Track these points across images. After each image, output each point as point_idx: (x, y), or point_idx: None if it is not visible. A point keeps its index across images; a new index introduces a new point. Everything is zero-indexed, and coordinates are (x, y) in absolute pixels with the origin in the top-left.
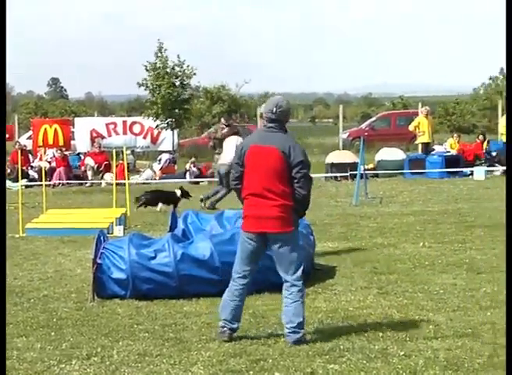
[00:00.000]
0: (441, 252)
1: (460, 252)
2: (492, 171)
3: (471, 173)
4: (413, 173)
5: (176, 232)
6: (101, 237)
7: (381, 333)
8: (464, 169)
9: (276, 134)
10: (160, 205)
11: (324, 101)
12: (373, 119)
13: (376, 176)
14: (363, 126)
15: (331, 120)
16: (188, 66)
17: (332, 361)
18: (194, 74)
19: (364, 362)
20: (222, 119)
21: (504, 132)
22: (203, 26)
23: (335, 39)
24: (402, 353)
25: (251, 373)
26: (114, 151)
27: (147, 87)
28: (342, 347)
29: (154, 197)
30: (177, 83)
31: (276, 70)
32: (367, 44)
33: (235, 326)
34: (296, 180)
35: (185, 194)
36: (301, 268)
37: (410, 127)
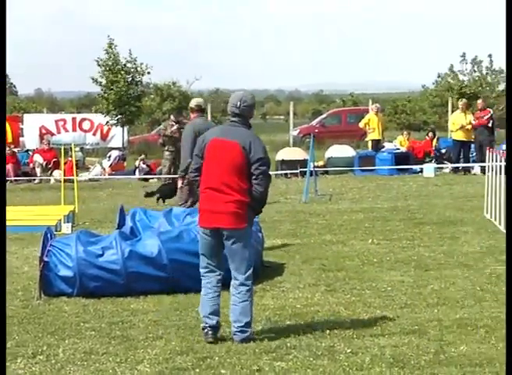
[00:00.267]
0: (389, 249)
1: (409, 249)
2: (442, 168)
3: (421, 170)
4: (363, 170)
5: (123, 229)
6: (48, 235)
7: (328, 331)
8: (414, 167)
9: (239, 129)
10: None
11: (275, 98)
12: (323, 116)
13: (326, 173)
14: (313, 123)
15: (282, 117)
16: (142, 64)
17: (279, 358)
18: (148, 73)
19: (311, 359)
20: (172, 116)
21: (454, 129)
22: (153, 24)
23: (286, 36)
24: (349, 350)
25: (197, 370)
26: (62, 148)
27: (100, 84)
28: (289, 344)
29: (169, 189)
30: (129, 80)
31: (228, 67)
32: (317, 41)
33: (214, 322)
34: (254, 177)
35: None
36: (252, 267)
37: (361, 124)
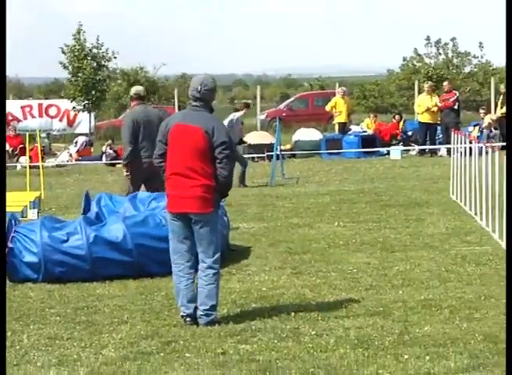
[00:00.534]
0: (355, 232)
1: (375, 231)
2: (408, 150)
3: (388, 153)
4: (330, 153)
5: (89, 215)
6: (13, 221)
7: (293, 313)
8: (381, 149)
9: (201, 114)
10: None
11: (243, 83)
12: (291, 99)
13: (293, 156)
14: (281, 106)
15: (250, 101)
16: (107, 49)
17: (244, 341)
18: (115, 58)
19: (276, 341)
20: None
21: (420, 111)
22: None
23: (253, 20)
24: (313, 332)
25: (162, 354)
26: (28, 134)
27: (68, 69)
28: (254, 327)
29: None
30: (94, 65)
31: (195, 52)
32: (286, 25)
33: (191, 310)
34: (218, 161)
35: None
36: (220, 251)
37: (327, 107)
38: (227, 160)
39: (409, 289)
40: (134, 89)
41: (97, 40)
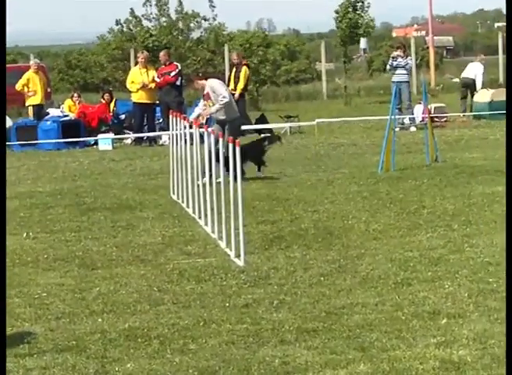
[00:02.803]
0: (48, 244)
1: (73, 243)
2: (122, 139)
3: (95, 143)
4: (22, 145)
5: None
6: None
7: None
8: (86, 139)
9: None
10: None
11: None
12: None
13: None
14: None
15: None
16: None
17: None
18: None
19: None
20: None
21: (133, 89)
22: None
23: None
24: None
25: None
26: None
27: None
28: None
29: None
30: None
31: None
32: None
33: None
34: None
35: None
36: None
37: (18, 86)
38: None
39: (111, 316)
40: None
41: None
